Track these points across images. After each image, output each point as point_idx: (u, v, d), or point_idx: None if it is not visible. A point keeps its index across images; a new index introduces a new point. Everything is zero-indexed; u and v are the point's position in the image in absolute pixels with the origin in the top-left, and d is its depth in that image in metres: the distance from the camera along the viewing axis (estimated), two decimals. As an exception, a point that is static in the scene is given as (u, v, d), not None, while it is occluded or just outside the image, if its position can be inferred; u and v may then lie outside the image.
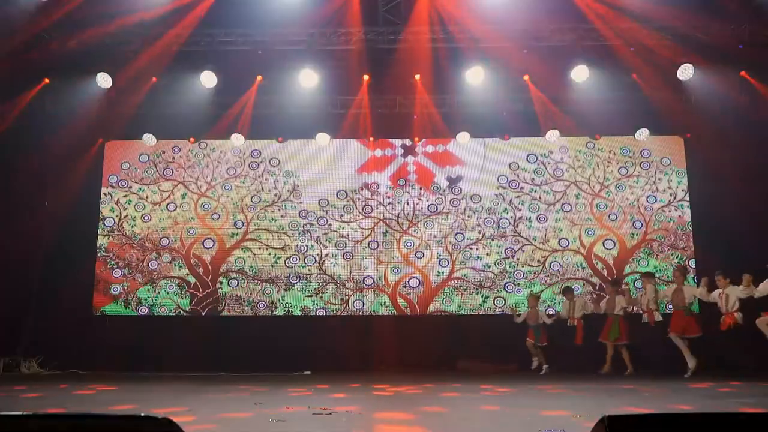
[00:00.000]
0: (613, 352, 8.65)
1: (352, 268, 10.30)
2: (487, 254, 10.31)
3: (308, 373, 8.91)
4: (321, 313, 10.11)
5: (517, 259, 10.27)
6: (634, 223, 10.33)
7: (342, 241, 10.41)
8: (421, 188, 10.62)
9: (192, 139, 10.68)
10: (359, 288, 10.20)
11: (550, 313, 9.55)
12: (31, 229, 9.99)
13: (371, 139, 10.70)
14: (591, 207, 10.44)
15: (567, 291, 9.47)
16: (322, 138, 10.50)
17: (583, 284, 10.08)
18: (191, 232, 10.48)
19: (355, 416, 4.45)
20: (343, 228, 10.47)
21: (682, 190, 10.37)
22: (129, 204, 10.57)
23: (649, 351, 8.53)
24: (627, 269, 10.13)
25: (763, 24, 8.79)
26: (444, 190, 10.59)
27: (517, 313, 9.67)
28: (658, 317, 8.47)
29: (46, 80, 9.61)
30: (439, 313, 10.06)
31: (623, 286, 9.55)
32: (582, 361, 8.86)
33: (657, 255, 10.16)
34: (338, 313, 10.03)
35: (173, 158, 10.81)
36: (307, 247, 10.39)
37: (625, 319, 8.74)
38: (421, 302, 10.10)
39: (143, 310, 10.17)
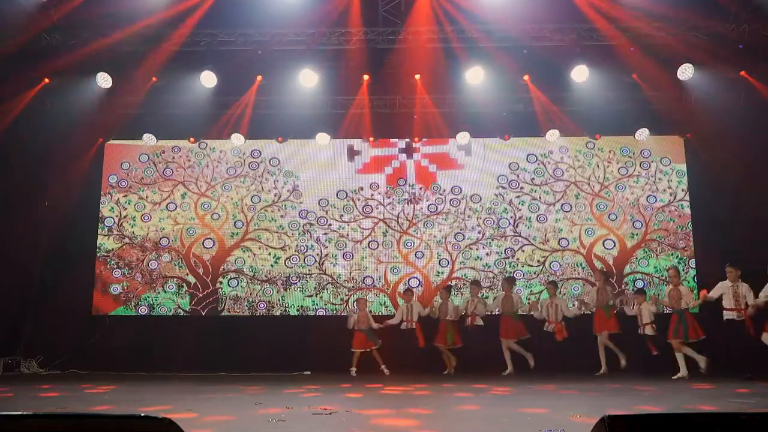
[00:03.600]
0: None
1: (351, 268, 10.30)
2: (487, 254, 10.31)
3: (308, 373, 8.91)
4: (321, 313, 10.10)
5: (517, 259, 10.27)
6: (634, 223, 10.33)
7: (342, 241, 10.41)
8: (420, 188, 10.62)
9: (192, 139, 10.68)
10: (359, 288, 10.19)
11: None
12: (31, 229, 9.99)
13: (371, 139, 10.70)
14: (591, 207, 10.44)
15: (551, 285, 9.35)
16: (322, 138, 10.49)
17: (583, 284, 10.07)
18: (191, 232, 10.48)
19: (355, 416, 4.45)
20: (343, 228, 10.47)
21: (682, 190, 10.37)
22: (129, 204, 10.57)
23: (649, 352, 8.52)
24: (627, 269, 10.13)
25: (763, 24, 8.79)
26: (444, 190, 10.59)
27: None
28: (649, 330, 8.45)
29: (46, 80, 9.60)
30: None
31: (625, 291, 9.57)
32: (579, 361, 8.84)
33: (657, 255, 10.16)
34: (338, 313, 10.02)
35: (173, 158, 10.80)
36: (307, 247, 10.39)
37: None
38: (421, 302, 10.07)
39: (143, 310, 10.17)
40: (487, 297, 9.91)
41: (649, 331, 8.44)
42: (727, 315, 7.78)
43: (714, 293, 7.88)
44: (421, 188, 10.60)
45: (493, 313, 9.28)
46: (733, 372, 7.60)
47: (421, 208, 10.53)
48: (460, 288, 10.10)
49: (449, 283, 10.03)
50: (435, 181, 10.63)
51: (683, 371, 7.77)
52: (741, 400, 5.41)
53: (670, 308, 8.28)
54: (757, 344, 7.39)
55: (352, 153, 10.76)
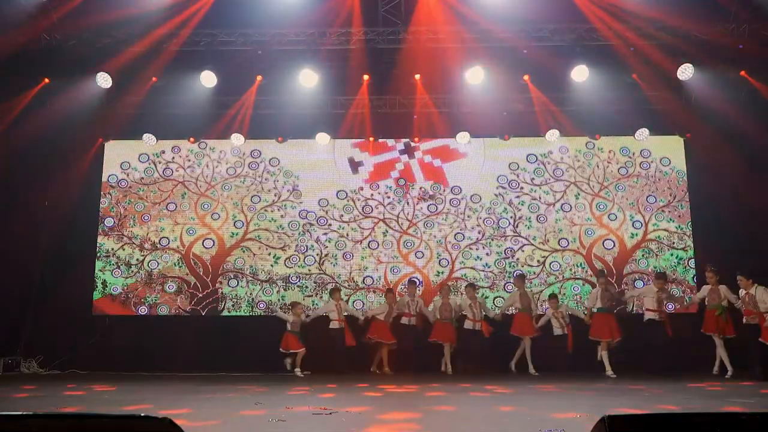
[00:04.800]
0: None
1: (351, 268, 10.30)
2: (487, 254, 10.31)
3: (308, 373, 8.90)
4: (320, 313, 10.08)
5: (517, 259, 10.27)
6: (634, 223, 10.33)
7: (342, 241, 10.41)
8: (420, 188, 10.61)
9: (192, 139, 10.68)
10: (359, 288, 10.19)
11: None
12: (31, 229, 9.98)
13: (371, 139, 10.69)
14: (591, 207, 10.44)
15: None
16: (322, 138, 10.49)
17: (583, 284, 10.07)
18: (191, 232, 10.48)
19: (355, 416, 4.45)
20: (343, 228, 10.46)
21: (682, 190, 10.36)
22: (129, 204, 10.57)
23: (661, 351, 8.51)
24: (627, 269, 10.13)
25: (763, 24, 8.79)
26: (444, 190, 10.59)
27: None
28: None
29: (46, 80, 9.60)
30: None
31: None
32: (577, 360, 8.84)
33: (657, 255, 10.16)
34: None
35: (173, 158, 10.80)
36: (307, 247, 10.39)
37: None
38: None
39: (143, 310, 10.17)
40: (487, 297, 9.92)
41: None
42: (648, 315, 8.49)
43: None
44: (420, 188, 10.60)
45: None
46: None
47: (421, 208, 10.53)
48: (460, 288, 10.08)
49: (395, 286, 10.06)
50: (435, 182, 10.62)
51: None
52: (741, 400, 5.41)
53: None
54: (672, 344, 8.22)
55: (354, 165, 10.71)
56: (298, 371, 8.72)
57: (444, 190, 10.58)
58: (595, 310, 8.84)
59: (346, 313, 9.35)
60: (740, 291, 7.97)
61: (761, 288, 7.58)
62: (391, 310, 9.26)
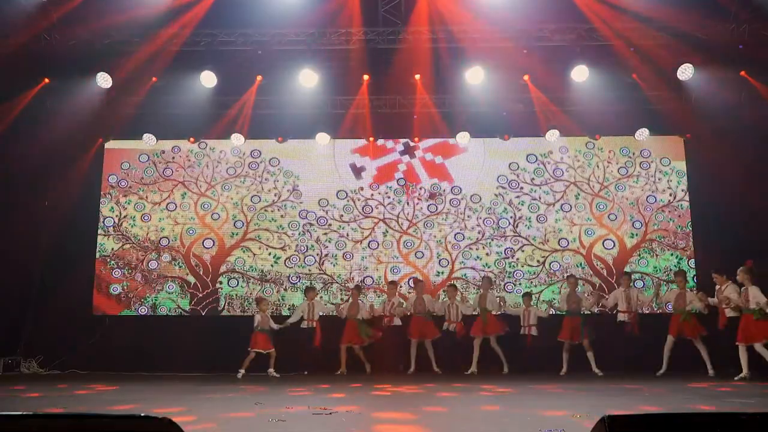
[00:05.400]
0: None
1: (352, 268, 10.30)
2: (487, 254, 10.31)
3: (305, 373, 8.90)
4: (321, 313, 10.07)
5: (517, 259, 10.27)
6: (633, 223, 10.33)
7: (342, 241, 10.41)
8: (420, 188, 10.61)
9: (192, 139, 10.67)
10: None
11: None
12: (30, 230, 9.98)
13: (371, 139, 10.69)
14: (591, 207, 10.44)
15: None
16: (322, 138, 10.49)
17: (583, 284, 10.06)
18: (191, 232, 10.48)
19: (355, 416, 4.45)
20: (343, 228, 10.46)
21: (682, 190, 10.36)
22: (129, 204, 10.57)
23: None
24: (627, 269, 10.11)
25: (763, 24, 8.79)
26: (444, 190, 10.59)
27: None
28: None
29: (46, 80, 9.60)
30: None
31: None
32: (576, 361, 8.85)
33: (657, 255, 10.16)
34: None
35: (173, 158, 10.80)
36: (307, 247, 10.39)
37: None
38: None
39: (143, 310, 10.17)
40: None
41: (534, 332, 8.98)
42: (620, 317, 8.82)
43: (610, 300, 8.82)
44: (420, 188, 10.60)
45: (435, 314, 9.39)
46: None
47: (421, 208, 10.53)
48: (460, 288, 10.08)
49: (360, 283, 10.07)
50: (434, 182, 10.62)
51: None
52: (741, 400, 5.41)
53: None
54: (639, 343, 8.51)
55: (357, 171, 10.68)
56: (272, 371, 8.51)
57: (449, 187, 10.56)
58: (563, 312, 9.05)
59: (322, 313, 9.21)
60: (716, 288, 8.01)
61: (755, 288, 7.48)
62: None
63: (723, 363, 7.97)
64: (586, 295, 9.24)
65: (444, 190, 10.58)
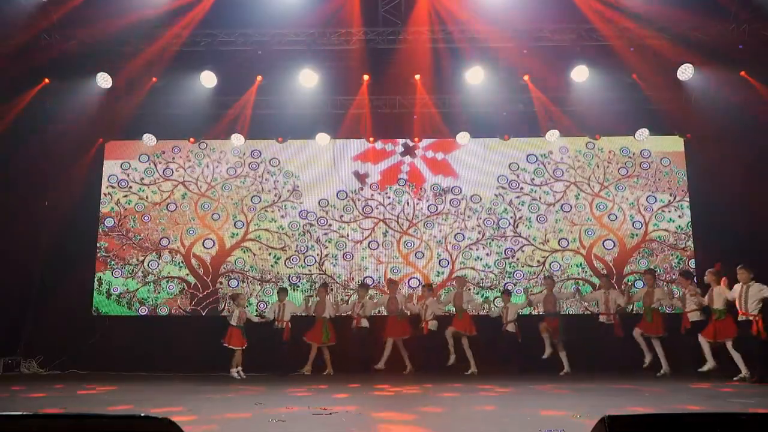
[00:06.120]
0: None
1: (352, 268, 10.30)
2: (487, 254, 10.31)
3: (307, 373, 8.91)
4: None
5: (517, 259, 10.27)
6: (634, 223, 10.33)
7: (342, 241, 10.41)
8: (421, 188, 10.61)
9: (192, 139, 10.67)
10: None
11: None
12: (31, 229, 9.98)
13: (371, 139, 10.69)
14: (591, 207, 10.44)
15: (547, 279, 9.45)
16: (322, 138, 10.49)
17: (583, 284, 10.07)
18: (191, 232, 10.48)
19: (355, 416, 4.45)
20: (343, 228, 10.46)
21: (682, 190, 10.36)
22: (129, 204, 10.57)
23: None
24: (627, 269, 10.12)
25: (763, 24, 8.79)
26: (444, 190, 10.59)
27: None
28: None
29: (46, 80, 9.61)
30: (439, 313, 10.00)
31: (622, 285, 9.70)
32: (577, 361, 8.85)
33: (657, 255, 10.16)
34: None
35: (173, 158, 10.80)
36: (307, 247, 10.39)
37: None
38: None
39: (143, 310, 10.17)
40: (487, 297, 9.91)
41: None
42: (601, 318, 8.98)
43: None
44: (421, 188, 10.60)
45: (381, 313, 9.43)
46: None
47: (421, 208, 10.53)
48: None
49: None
50: (435, 182, 10.62)
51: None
52: (741, 400, 5.41)
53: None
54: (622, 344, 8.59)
55: (361, 178, 10.66)
56: (236, 371, 8.30)
57: (454, 181, 10.57)
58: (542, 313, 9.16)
59: (293, 313, 9.10)
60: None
61: (720, 287, 7.65)
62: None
63: (683, 363, 8.07)
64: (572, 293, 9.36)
65: (450, 187, 10.57)
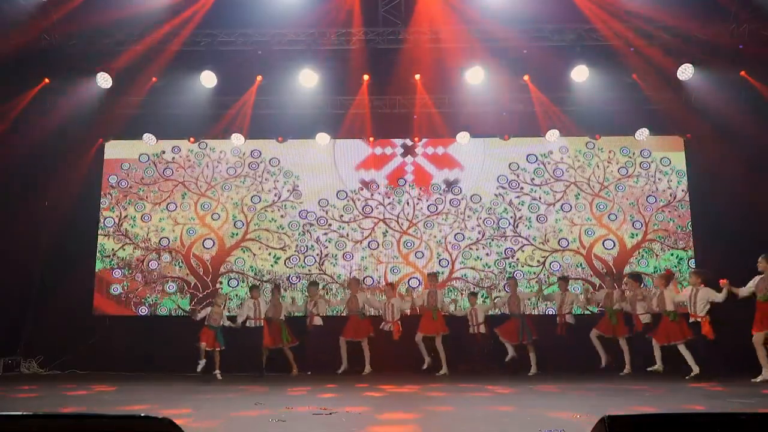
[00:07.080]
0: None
1: (352, 268, 10.30)
2: (487, 254, 10.30)
3: (309, 373, 8.90)
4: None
5: (517, 259, 10.27)
6: (634, 223, 10.33)
7: (342, 241, 10.40)
8: (420, 188, 10.61)
9: (192, 139, 10.67)
10: (359, 288, 10.15)
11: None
12: (31, 229, 9.98)
13: (371, 139, 10.69)
14: (591, 207, 10.44)
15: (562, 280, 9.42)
16: (322, 138, 10.49)
17: (583, 284, 10.07)
18: (191, 232, 10.48)
19: (355, 416, 4.45)
20: (343, 228, 10.46)
21: (682, 190, 10.36)
22: (129, 204, 10.57)
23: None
24: (627, 269, 10.11)
25: (763, 24, 8.79)
26: (444, 191, 10.59)
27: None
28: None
29: (46, 80, 9.60)
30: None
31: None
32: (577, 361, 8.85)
33: (657, 255, 10.16)
34: (337, 314, 10.00)
35: (173, 158, 10.80)
36: (307, 247, 10.39)
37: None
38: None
39: (143, 310, 10.17)
40: (486, 297, 9.90)
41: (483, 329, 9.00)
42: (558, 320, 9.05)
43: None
44: (420, 188, 10.60)
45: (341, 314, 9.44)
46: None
47: (421, 208, 10.53)
48: (460, 288, 10.09)
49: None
50: (434, 182, 10.61)
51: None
52: (741, 400, 5.41)
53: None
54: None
55: (368, 185, 10.61)
56: (201, 365, 8.11)
57: (461, 173, 10.57)
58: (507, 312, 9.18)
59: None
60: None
61: (668, 291, 7.98)
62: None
63: (645, 363, 8.08)
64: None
65: (457, 179, 10.57)
